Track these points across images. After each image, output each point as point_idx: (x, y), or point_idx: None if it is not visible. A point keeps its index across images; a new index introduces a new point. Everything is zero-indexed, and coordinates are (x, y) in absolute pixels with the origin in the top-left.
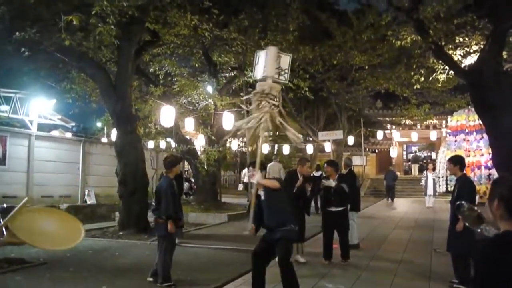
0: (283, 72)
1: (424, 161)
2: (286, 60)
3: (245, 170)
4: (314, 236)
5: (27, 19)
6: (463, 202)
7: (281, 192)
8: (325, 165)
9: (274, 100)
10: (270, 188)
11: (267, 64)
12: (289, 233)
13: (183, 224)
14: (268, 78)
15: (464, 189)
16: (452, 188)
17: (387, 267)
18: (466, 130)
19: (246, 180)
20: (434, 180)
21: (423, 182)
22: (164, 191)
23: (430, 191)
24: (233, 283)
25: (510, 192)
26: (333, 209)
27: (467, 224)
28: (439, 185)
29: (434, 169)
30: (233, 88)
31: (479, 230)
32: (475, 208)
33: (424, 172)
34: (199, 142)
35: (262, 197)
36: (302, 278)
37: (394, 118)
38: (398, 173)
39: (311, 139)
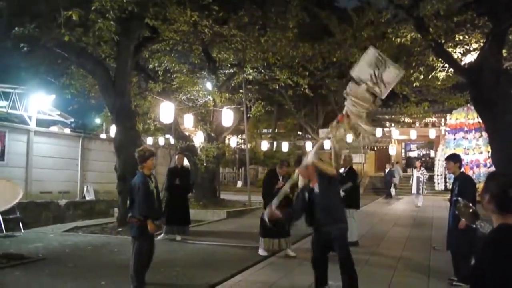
0: (381, 84)
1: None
2: (391, 74)
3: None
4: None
5: (26, 14)
6: (459, 198)
7: (336, 182)
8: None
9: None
10: (326, 177)
11: (360, 65)
12: (345, 231)
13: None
14: (360, 82)
15: (464, 187)
16: (451, 186)
17: (386, 263)
18: (465, 128)
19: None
20: (418, 178)
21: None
22: (137, 189)
23: (414, 189)
24: (232, 279)
25: (499, 189)
26: None
27: (463, 219)
28: (424, 183)
29: (421, 167)
30: (233, 85)
31: (474, 226)
32: (471, 205)
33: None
34: (198, 139)
35: (316, 190)
36: (301, 275)
37: (393, 116)
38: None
39: (310, 136)
